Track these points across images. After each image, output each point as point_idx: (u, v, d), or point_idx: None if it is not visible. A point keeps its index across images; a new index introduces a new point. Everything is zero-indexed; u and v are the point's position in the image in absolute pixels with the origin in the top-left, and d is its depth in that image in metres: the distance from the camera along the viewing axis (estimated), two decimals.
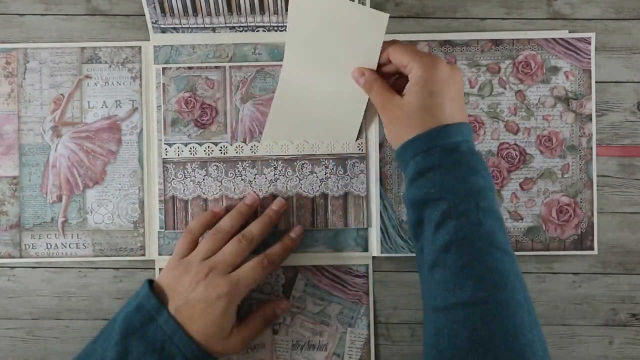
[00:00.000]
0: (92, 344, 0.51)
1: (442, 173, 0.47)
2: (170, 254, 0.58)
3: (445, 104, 0.48)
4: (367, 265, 0.58)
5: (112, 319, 0.51)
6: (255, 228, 0.54)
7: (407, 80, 0.50)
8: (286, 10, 0.56)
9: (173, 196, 0.57)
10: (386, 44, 0.51)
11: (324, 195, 0.58)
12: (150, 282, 0.52)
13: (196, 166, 0.58)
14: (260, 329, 0.55)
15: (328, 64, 0.53)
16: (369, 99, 0.54)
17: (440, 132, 0.47)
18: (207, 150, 0.58)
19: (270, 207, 0.56)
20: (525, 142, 0.58)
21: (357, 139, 0.58)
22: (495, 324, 0.43)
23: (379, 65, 0.52)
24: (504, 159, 0.58)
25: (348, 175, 0.58)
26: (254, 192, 0.57)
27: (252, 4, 0.56)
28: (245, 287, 0.51)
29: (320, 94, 0.55)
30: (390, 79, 0.53)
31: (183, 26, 0.57)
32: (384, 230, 0.58)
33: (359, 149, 0.58)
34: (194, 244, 0.54)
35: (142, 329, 0.49)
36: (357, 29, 0.51)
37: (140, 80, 0.58)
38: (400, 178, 0.58)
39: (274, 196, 0.57)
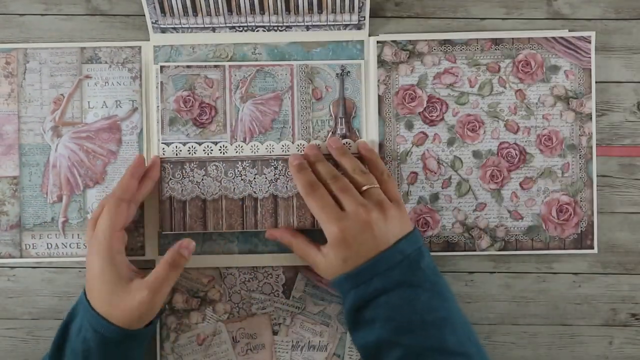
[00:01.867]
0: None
1: (387, 297, 0.48)
2: None
3: (366, 244, 0.49)
4: None
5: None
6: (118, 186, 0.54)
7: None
8: (286, 10, 0.56)
9: (170, 197, 0.57)
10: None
11: None
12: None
13: (195, 166, 0.58)
14: (166, 272, 0.51)
15: None
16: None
17: (377, 262, 0.49)
18: (206, 150, 0.58)
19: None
20: (525, 141, 0.58)
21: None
22: None
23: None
24: (504, 158, 0.58)
25: None
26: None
27: (252, 4, 0.56)
28: (106, 229, 0.50)
29: None
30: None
31: (183, 26, 0.57)
32: None
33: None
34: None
35: (76, 316, 0.51)
36: None
37: (140, 80, 0.58)
38: (400, 177, 0.58)
39: (274, 196, 0.57)
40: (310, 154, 0.55)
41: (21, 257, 0.58)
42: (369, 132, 0.58)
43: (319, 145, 0.57)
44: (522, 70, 0.58)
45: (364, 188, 0.52)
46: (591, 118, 0.58)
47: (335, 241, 0.50)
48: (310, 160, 0.55)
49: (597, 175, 0.58)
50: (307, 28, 0.58)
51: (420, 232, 0.52)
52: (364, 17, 0.57)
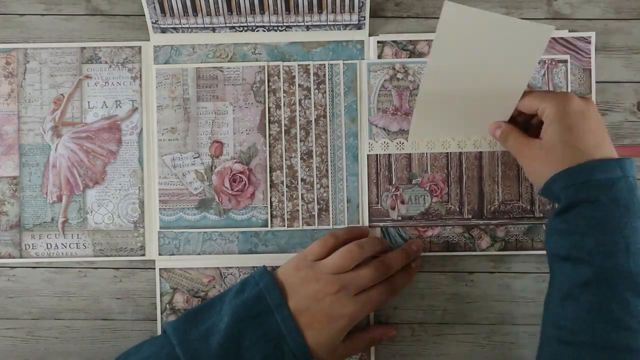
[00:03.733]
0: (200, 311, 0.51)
1: (594, 210, 0.45)
2: (170, 254, 0.58)
3: (587, 137, 0.47)
4: None
5: (219, 297, 0.52)
6: (394, 260, 0.53)
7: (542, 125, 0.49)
8: (286, 10, 0.56)
9: None
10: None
11: None
12: (269, 272, 0.52)
13: None
14: (364, 349, 0.56)
15: (477, 69, 0.51)
16: (519, 100, 0.52)
17: (597, 167, 0.46)
18: None
19: (410, 244, 0.56)
20: None
21: None
22: None
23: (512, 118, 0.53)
24: None
25: None
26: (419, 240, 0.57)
27: (252, 4, 0.56)
28: (369, 310, 0.52)
29: (466, 95, 0.53)
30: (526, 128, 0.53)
31: (183, 26, 0.57)
32: (384, 230, 0.58)
33: None
34: (330, 251, 0.53)
35: (259, 319, 0.49)
36: (515, 43, 0.48)
37: (140, 80, 0.58)
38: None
39: None
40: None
41: (21, 257, 0.58)
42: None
43: None
44: None
45: None
46: None
47: (557, 116, 0.47)
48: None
49: None
50: (307, 28, 0.58)
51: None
52: (364, 17, 0.57)
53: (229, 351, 0.48)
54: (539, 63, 0.57)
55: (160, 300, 0.58)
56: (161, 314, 0.58)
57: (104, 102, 0.58)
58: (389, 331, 0.57)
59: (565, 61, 0.57)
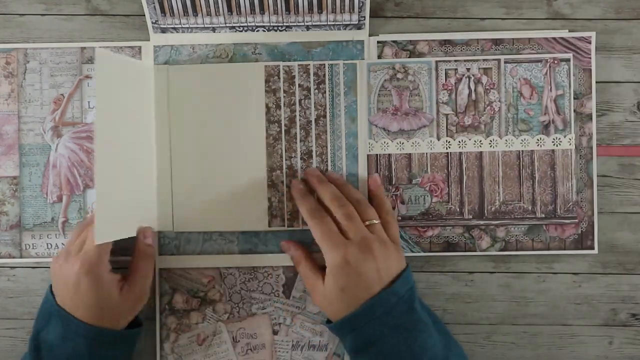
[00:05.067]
0: None
1: (382, 346, 0.48)
2: (171, 254, 0.58)
3: (361, 280, 0.49)
4: None
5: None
6: None
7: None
8: (286, 10, 0.56)
9: None
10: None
11: None
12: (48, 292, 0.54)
13: None
14: (142, 268, 0.54)
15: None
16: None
17: (371, 306, 0.49)
18: None
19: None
20: None
21: None
22: None
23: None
24: None
25: None
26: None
27: (252, 4, 0.56)
28: (95, 253, 0.51)
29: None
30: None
31: (183, 26, 0.57)
32: None
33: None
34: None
35: (48, 325, 0.52)
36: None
37: None
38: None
39: None
40: (312, 177, 0.56)
41: (21, 257, 0.58)
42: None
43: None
44: None
45: (367, 223, 0.52)
46: (591, 118, 0.58)
47: (337, 268, 0.50)
48: (313, 182, 0.55)
49: (597, 175, 0.58)
50: (307, 28, 0.58)
51: (411, 269, 0.52)
52: (364, 17, 0.57)
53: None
54: (540, 62, 0.57)
55: (160, 301, 0.58)
56: (160, 314, 0.58)
57: None
58: (141, 231, 0.55)
59: (568, 60, 0.57)
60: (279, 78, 0.58)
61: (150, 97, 0.56)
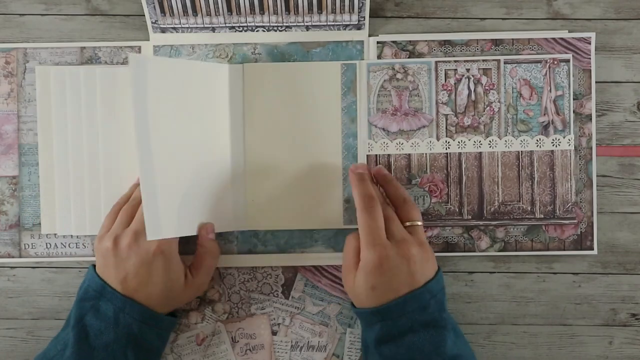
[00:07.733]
0: (55, 338, 0.53)
1: (411, 338, 0.48)
2: None
3: (393, 281, 0.49)
4: None
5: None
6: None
7: None
8: (286, 10, 0.56)
9: None
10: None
11: None
12: (95, 266, 0.53)
13: None
14: (208, 263, 0.55)
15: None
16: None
17: (406, 301, 0.49)
18: None
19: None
20: None
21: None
22: None
23: None
24: None
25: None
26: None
27: (251, 4, 0.56)
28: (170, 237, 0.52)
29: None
30: None
31: (183, 26, 0.57)
32: None
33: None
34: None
35: (94, 308, 0.51)
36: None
37: None
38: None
39: None
40: (364, 172, 0.54)
41: (21, 257, 0.58)
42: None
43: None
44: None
45: (408, 224, 0.51)
46: (591, 119, 0.58)
47: (370, 266, 0.49)
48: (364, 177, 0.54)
49: (597, 176, 0.58)
50: (307, 28, 0.58)
51: (442, 271, 0.52)
52: (364, 17, 0.57)
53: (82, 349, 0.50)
54: (540, 62, 0.57)
55: None
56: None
57: None
58: (202, 228, 0.55)
59: (568, 60, 0.57)
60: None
61: (214, 94, 0.56)
